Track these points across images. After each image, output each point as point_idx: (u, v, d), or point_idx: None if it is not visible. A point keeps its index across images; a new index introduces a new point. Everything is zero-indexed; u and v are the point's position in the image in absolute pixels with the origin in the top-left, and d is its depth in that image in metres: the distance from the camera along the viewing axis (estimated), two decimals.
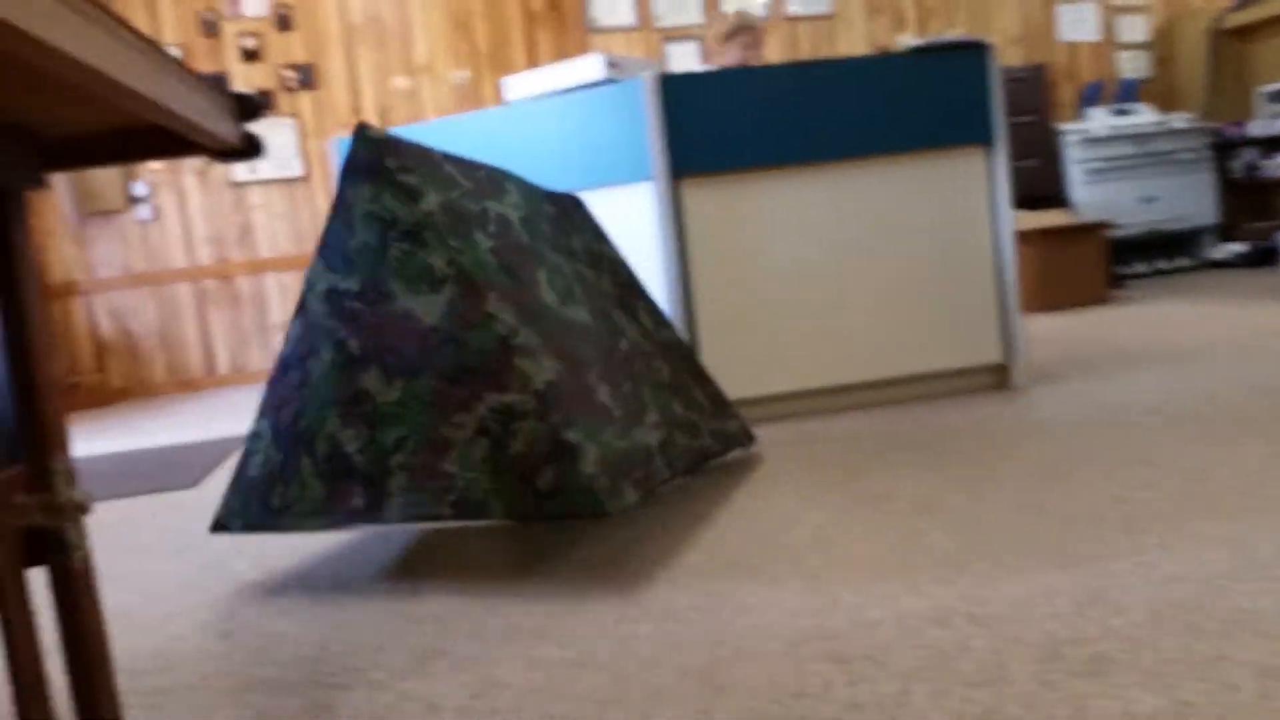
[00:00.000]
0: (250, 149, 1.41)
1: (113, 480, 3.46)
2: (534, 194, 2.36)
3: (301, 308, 2.06)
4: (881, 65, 3.22)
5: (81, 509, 1.35)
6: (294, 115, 6.15)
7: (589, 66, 3.20)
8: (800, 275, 3.23)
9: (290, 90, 6.14)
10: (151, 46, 1.02)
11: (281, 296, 6.18)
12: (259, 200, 6.14)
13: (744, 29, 3.94)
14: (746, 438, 2.72)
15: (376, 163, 1.91)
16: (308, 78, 6.17)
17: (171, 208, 6.04)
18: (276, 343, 6.17)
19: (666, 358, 2.50)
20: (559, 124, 3.23)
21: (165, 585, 2.22)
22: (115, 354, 5.96)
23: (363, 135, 1.94)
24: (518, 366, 1.87)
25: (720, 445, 2.55)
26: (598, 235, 2.60)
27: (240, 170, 6.09)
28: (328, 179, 6.20)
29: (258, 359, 6.18)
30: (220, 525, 2.13)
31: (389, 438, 1.95)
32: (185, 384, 6.06)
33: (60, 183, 5.92)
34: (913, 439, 2.82)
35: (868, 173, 3.25)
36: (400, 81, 6.27)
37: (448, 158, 2.12)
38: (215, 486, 3.21)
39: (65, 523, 1.32)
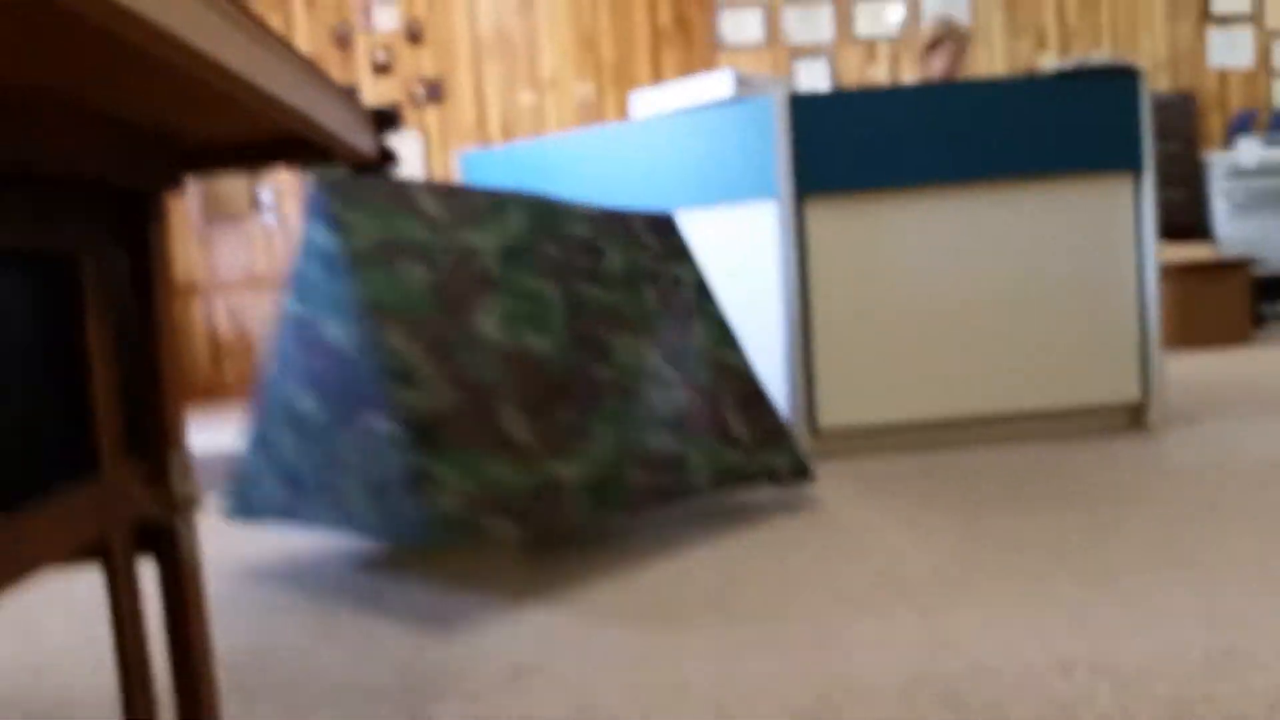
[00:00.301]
0: (386, 161, 1.41)
1: (217, 473, 3.55)
2: (554, 218, 2.41)
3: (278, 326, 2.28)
4: (1023, 88, 3.09)
5: (193, 502, 1.36)
6: (420, 128, 6.28)
7: (718, 83, 3.17)
8: (926, 300, 3.12)
9: (418, 104, 6.28)
10: (295, 55, 1.02)
11: None
12: None
13: (948, 36, 3.90)
14: (798, 474, 2.59)
15: (325, 201, 2.06)
16: (435, 91, 6.30)
17: (295, 215, 6.24)
18: None
19: (695, 385, 2.49)
20: (685, 140, 3.20)
21: (265, 579, 2.25)
22: (231, 353, 6.16)
23: (320, 177, 2.09)
24: (398, 395, 1.94)
25: (753, 476, 2.49)
26: (663, 255, 2.60)
27: None
28: None
29: None
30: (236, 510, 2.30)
31: (316, 450, 2.11)
32: None
33: (189, 186, 6.17)
34: (1041, 478, 2.68)
35: (1003, 196, 3.12)
36: (525, 96, 6.35)
37: (437, 189, 2.25)
38: None
39: (177, 516, 1.33)
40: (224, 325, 6.16)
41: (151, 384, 1.32)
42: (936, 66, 3.93)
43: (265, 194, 6.21)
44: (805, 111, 3.03)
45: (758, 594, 1.91)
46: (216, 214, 6.17)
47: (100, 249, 1.27)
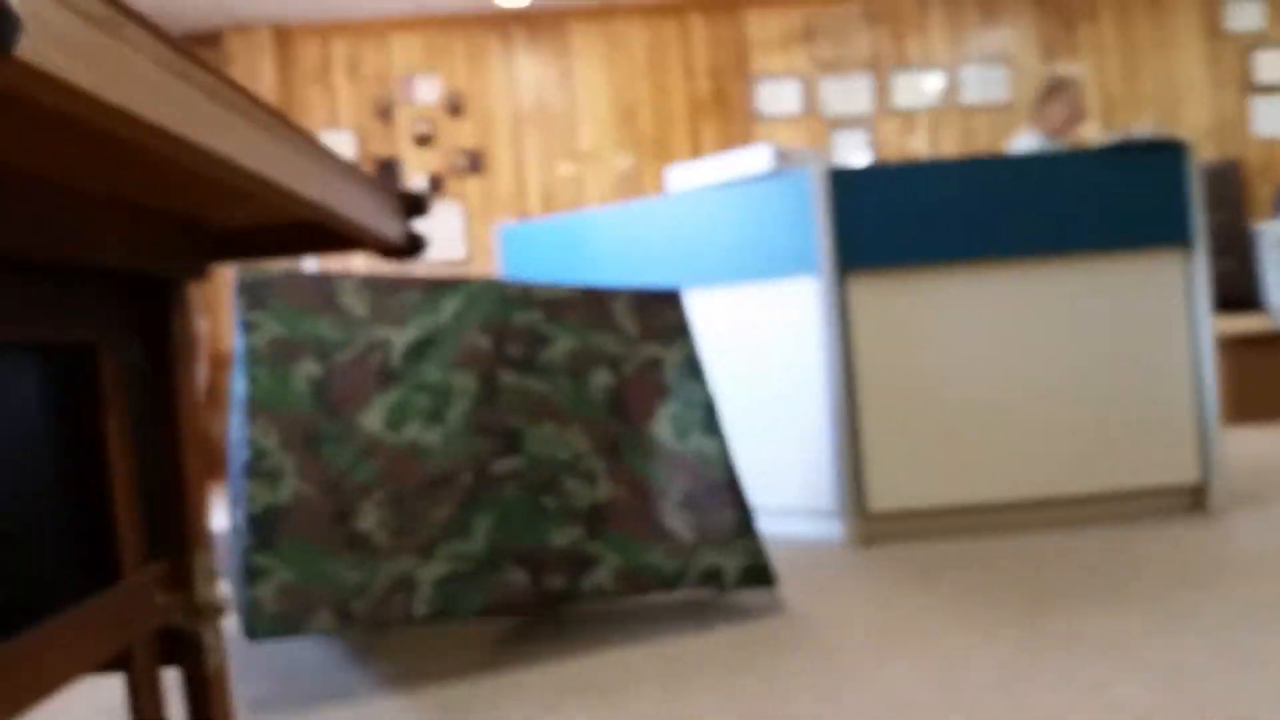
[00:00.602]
0: (413, 248, 1.37)
1: None
2: (496, 306, 2.38)
3: None
4: (1069, 162, 3.03)
5: (219, 611, 1.29)
6: (461, 199, 6.33)
7: (756, 157, 3.13)
8: (975, 379, 3.03)
9: (459, 174, 6.33)
10: (320, 149, 0.98)
11: None
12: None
13: (1062, 87, 3.98)
14: (750, 579, 2.42)
15: (238, 303, 2.21)
16: (476, 163, 6.35)
17: None
18: None
19: (630, 478, 2.38)
20: (723, 215, 3.16)
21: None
22: None
23: (240, 279, 2.22)
24: (248, 488, 2.04)
25: (681, 579, 2.36)
26: (640, 336, 2.50)
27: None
28: (489, 263, 6.33)
29: None
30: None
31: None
32: None
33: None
34: (1102, 567, 2.56)
35: (1051, 272, 3.04)
36: (565, 167, 6.39)
37: (369, 284, 2.32)
38: None
39: (202, 623, 1.26)
40: None
41: (174, 482, 1.27)
42: (1056, 117, 4.02)
43: (308, 263, 6.26)
44: (845, 185, 2.98)
45: (808, 697, 1.80)
46: None
47: (119, 339, 1.23)
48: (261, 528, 2.02)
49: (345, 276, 2.32)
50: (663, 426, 2.46)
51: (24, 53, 0.47)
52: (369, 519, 2.12)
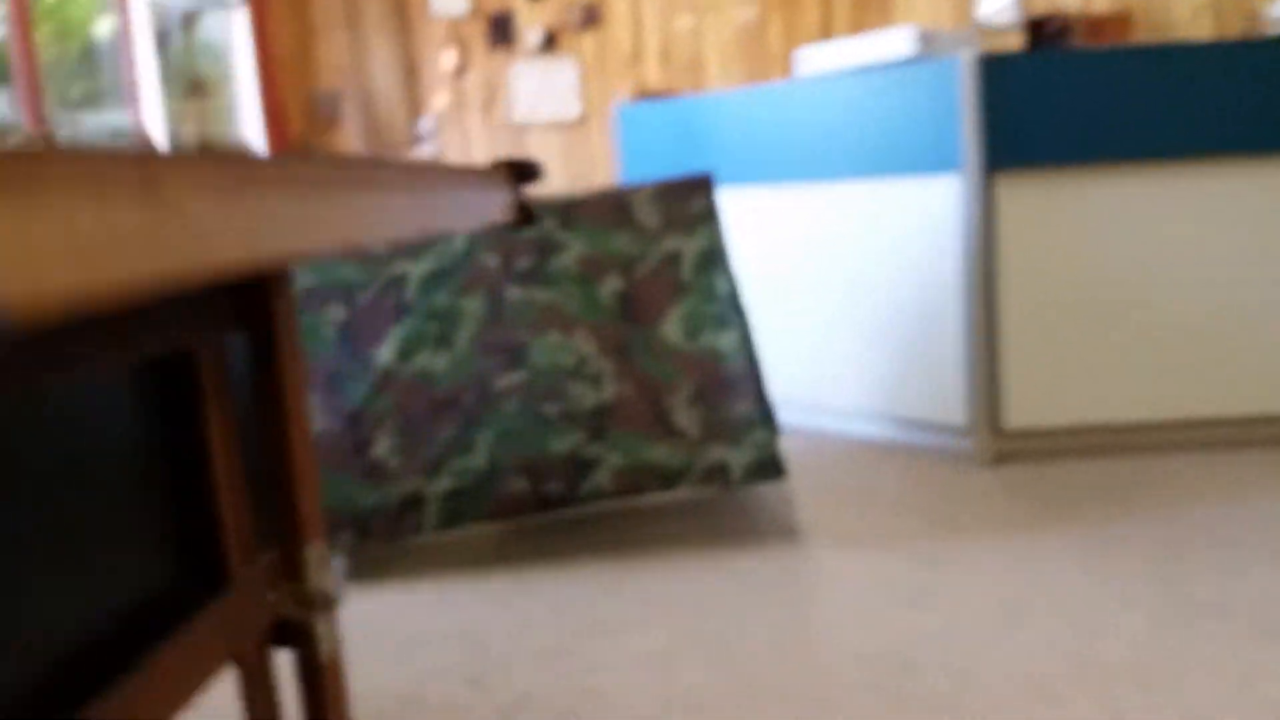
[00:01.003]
0: (525, 220, 1.26)
1: None
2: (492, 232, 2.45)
3: None
4: (1259, 49, 2.67)
5: (333, 600, 1.27)
6: (576, 54, 6.08)
7: (897, 40, 2.86)
8: (1136, 291, 2.79)
9: (574, 29, 6.07)
10: (418, 175, 0.87)
11: None
12: (537, 141, 6.16)
13: None
14: (759, 473, 2.41)
15: None
16: (592, 16, 6.06)
17: (455, 147, 6.18)
18: None
19: (638, 376, 2.42)
20: (856, 103, 2.91)
21: (405, 621, 2.20)
22: None
23: None
24: None
25: (685, 476, 2.41)
26: (661, 229, 2.47)
27: (521, 110, 6.12)
28: (604, 124, 6.12)
29: None
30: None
31: None
32: None
33: (351, 117, 6.18)
34: (1259, 503, 2.38)
35: (1240, 174, 2.73)
36: (684, 20, 6.05)
37: None
38: None
39: (315, 614, 1.24)
40: None
41: (284, 471, 1.23)
42: None
43: (425, 124, 6.16)
44: (997, 75, 2.70)
45: (938, 670, 1.73)
46: (377, 145, 6.17)
47: (220, 335, 1.16)
48: None
49: None
50: (674, 327, 2.46)
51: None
52: (382, 447, 2.34)
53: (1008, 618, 1.88)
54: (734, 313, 2.47)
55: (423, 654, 1.91)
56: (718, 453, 2.41)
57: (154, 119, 4.55)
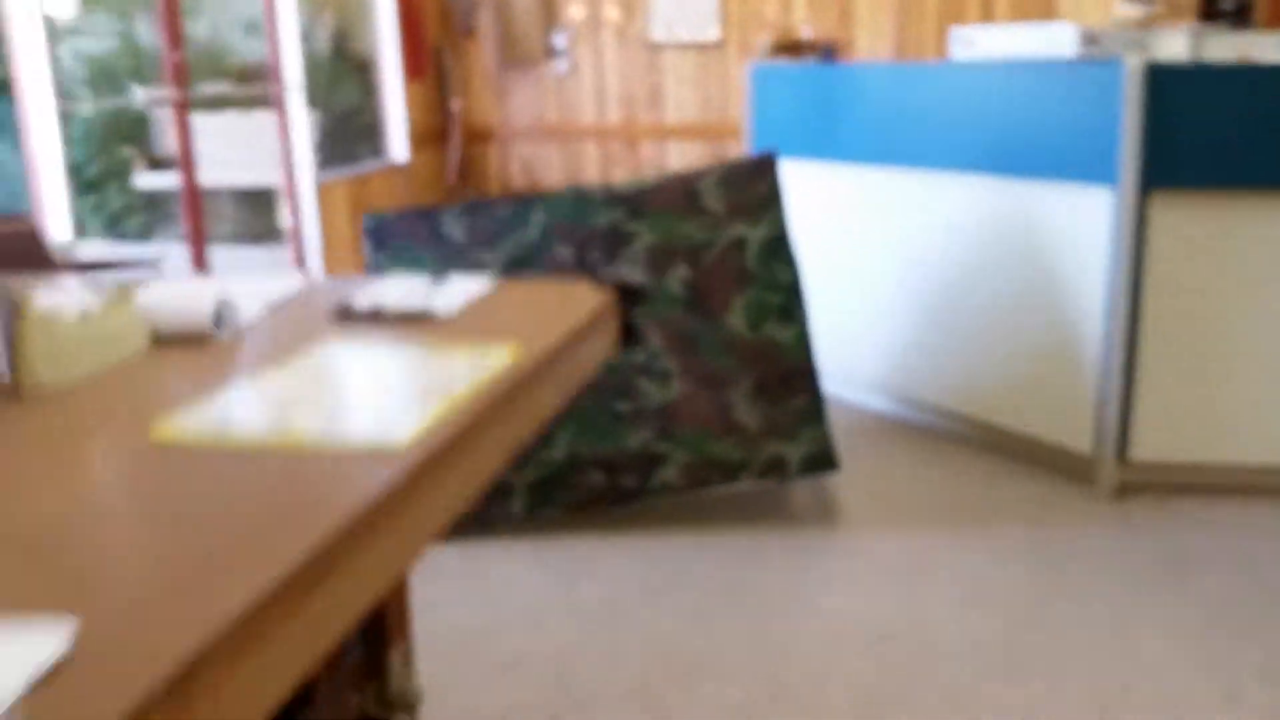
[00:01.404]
0: (630, 343, 1.22)
1: None
2: (578, 213, 2.51)
3: None
4: None
5: (414, 702, 1.30)
6: None
7: (1060, 37, 2.64)
8: None
9: None
10: (560, 371, 0.83)
11: (681, 165, 6.09)
12: (671, 63, 5.98)
13: None
14: (815, 466, 2.54)
15: (368, 245, 2.61)
16: None
17: (588, 63, 6.05)
18: None
19: (701, 372, 2.51)
20: (1010, 96, 2.72)
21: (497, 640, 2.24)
22: None
23: (365, 226, 2.59)
24: None
25: (748, 470, 2.54)
26: (726, 215, 2.52)
27: (658, 30, 5.93)
28: (744, 51, 5.89)
29: None
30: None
31: None
32: None
33: (487, 26, 6.08)
34: None
35: None
36: None
37: (467, 210, 2.56)
38: None
39: (396, 714, 1.27)
40: (516, 175, 6.20)
41: None
42: None
43: (559, 39, 6.04)
44: (1165, 85, 2.47)
45: None
46: (511, 59, 6.09)
47: None
48: None
49: (447, 208, 2.59)
50: (738, 317, 2.53)
51: None
52: None
53: (1104, 704, 1.82)
54: (796, 304, 2.53)
55: (511, 681, 1.96)
56: (776, 447, 2.52)
57: (288, 19, 4.57)
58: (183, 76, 3.67)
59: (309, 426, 0.87)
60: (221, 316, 1.17)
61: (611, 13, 5.93)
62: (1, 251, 1.26)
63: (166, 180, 4.26)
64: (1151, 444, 2.70)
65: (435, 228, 2.59)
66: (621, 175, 6.15)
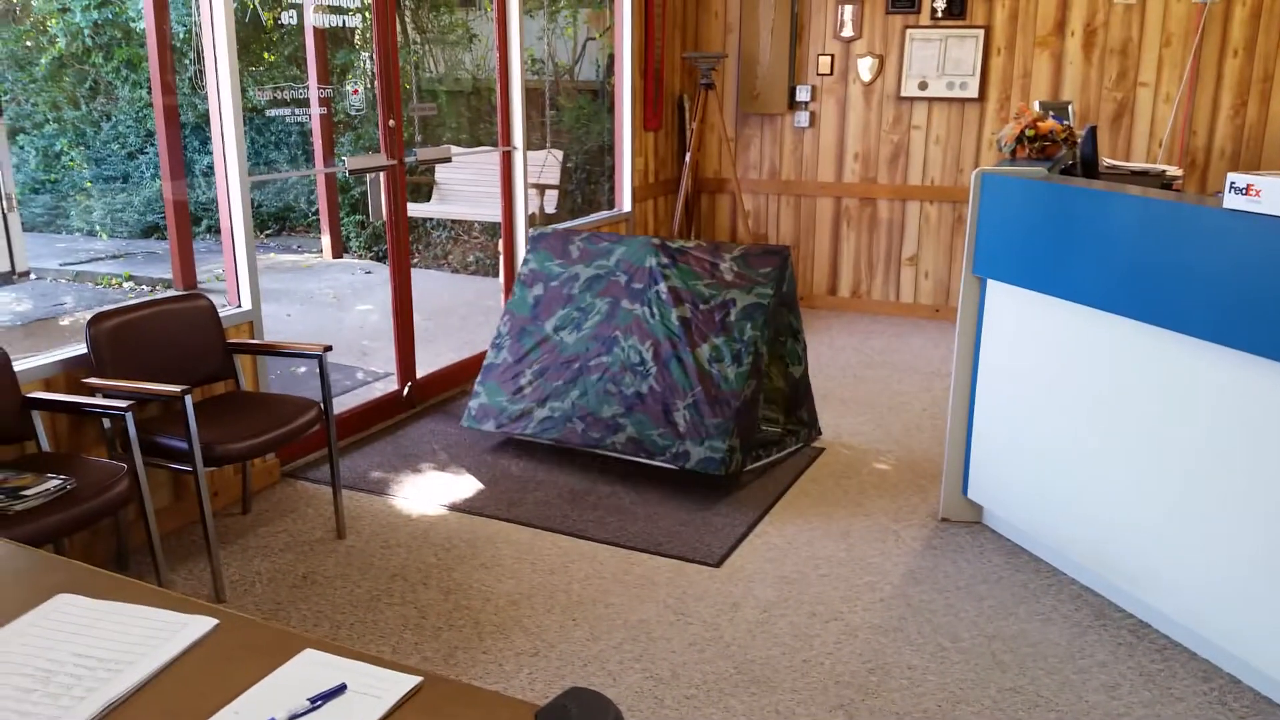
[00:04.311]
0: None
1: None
2: (639, 255, 3.68)
3: None
4: None
5: None
6: (983, 26, 5.36)
7: None
8: None
9: None
10: None
11: (922, 227, 5.67)
12: (921, 119, 5.57)
13: None
14: (704, 466, 3.26)
15: (527, 246, 3.97)
16: None
17: (830, 117, 5.74)
18: (904, 277, 5.74)
19: (666, 380, 3.44)
20: None
21: None
22: None
23: (528, 234, 4.02)
24: (488, 353, 3.83)
25: (663, 454, 3.36)
26: (730, 283, 3.52)
27: (911, 84, 5.53)
28: (1001, 105, 5.40)
29: (880, 290, 5.82)
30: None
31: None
32: (803, 299, 5.95)
33: (729, 82, 5.89)
34: None
35: None
36: None
37: (589, 237, 3.84)
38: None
39: None
40: (741, 226, 5.99)
41: None
42: None
43: (802, 91, 5.77)
44: None
45: None
46: (752, 110, 5.88)
47: None
48: (483, 374, 3.79)
49: (576, 233, 3.87)
50: (703, 353, 3.45)
51: None
52: (525, 378, 3.69)
53: None
54: (746, 354, 3.38)
55: None
56: (686, 446, 3.34)
57: (516, 77, 4.56)
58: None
59: None
60: None
61: (860, 65, 5.59)
62: None
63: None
64: None
65: (565, 245, 3.83)
66: (854, 236, 5.81)
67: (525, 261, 3.88)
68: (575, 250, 3.79)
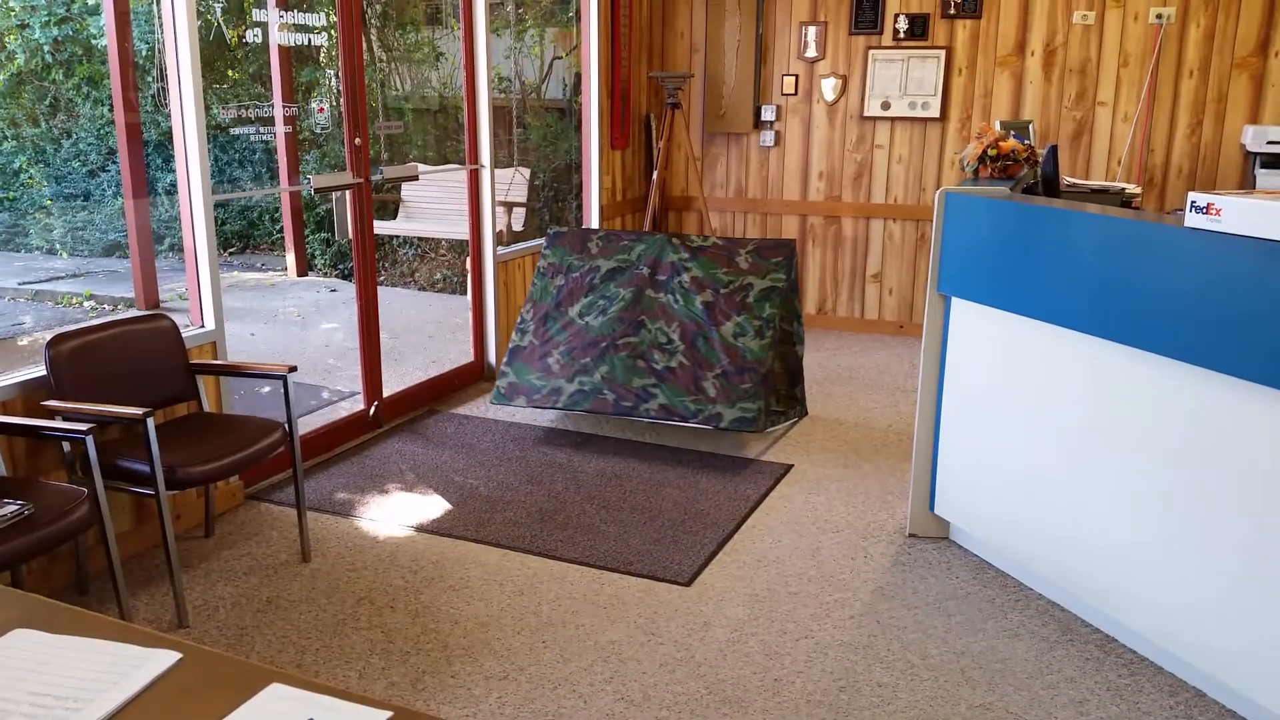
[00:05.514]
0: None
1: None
2: (660, 250, 4.12)
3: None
4: None
5: None
6: (944, 47, 5.43)
7: None
8: None
9: (950, 16, 5.40)
10: None
11: (886, 245, 5.72)
12: (884, 138, 5.63)
13: None
14: (739, 425, 3.69)
15: (546, 241, 4.33)
16: (973, 3, 5.36)
17: (795, 136, 5.78)
18: (869, 294, 5.78)
19: (693, 354, 3.88)
20: (1264, 285, 2.24)
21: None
22: None
23: (547, 233, 4.36)
24: (513, 336, 4.16)
25: (696, 418, 3.75)
26: (746, 270, 3.99)
27: (874, 104, 5.59)
28: (962, 125, 5.46)
29: (845, 306, 5.86)
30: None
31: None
32: None
33: (695, 101, 5.92)
34: None
35: None
36: (1081, 15, 5.21)
37: (606, 235, 4.23)
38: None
39: None
40: None
41: None
42: None
43: (767, 111, 5.81)
44: None
45: None
46: (717, 130, 5.91)
47: None
48: (510, 356, 4.09)
49: (594, 231, 4.25)
50: (727, 330, 3.89)
51: None
52: (553, 358, 4.01)
53: None
54: (766, 328, 3.85)
55: None
56: (718, 409, 3.73)
57: (484, 97, 4.56)
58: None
59: None
60: None
61: (824, 84, 5.64)
62: None
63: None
64: None
65: (585, 242, 4.22)
66: (819, 254, 5.85)
67: (544, 256, 4.23)
68: (594, 246, 4.18)
